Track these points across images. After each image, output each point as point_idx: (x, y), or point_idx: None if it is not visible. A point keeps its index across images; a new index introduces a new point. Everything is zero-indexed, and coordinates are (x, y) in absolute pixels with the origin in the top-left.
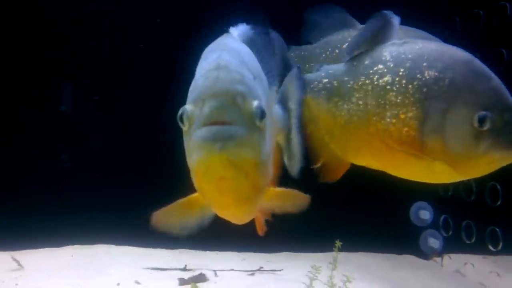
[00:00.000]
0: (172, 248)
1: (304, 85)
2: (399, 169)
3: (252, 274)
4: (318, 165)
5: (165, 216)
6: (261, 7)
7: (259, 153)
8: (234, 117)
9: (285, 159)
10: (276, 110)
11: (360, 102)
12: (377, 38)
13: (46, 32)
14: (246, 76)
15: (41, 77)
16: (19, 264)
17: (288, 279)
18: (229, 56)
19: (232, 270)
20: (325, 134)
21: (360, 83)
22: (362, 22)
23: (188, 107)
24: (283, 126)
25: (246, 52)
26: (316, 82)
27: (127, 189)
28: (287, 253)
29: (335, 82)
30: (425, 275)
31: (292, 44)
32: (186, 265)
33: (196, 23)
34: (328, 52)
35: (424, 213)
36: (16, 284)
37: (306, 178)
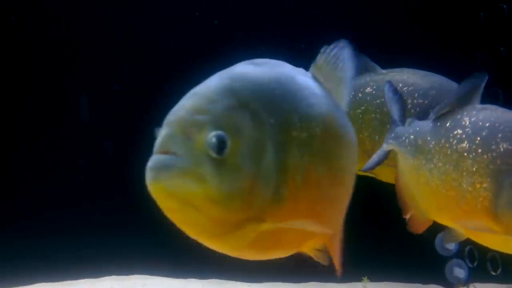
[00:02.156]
0: (202, 278)
1: None
2: (480, 238)
3: None
4: (407, 216)
5: None
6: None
7: (212, 186)
8: (180, 148)
9: None
10: None
11: (440, 164)
12: (464, 100)
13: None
14: (222, 105)
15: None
16: None
17: None
18: (217, 82)
19: None
20: (412, 188)
21: (440, 145)
22: (382, 67)
23: (158, 133)
24: None
25: (276, 82)
26: (404, 137)
27: (158, 217)
28: (314, 283)
29: (419, 140)
30: None
31: None
32: None
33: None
34: (351, 96)
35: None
36: None
37: None
